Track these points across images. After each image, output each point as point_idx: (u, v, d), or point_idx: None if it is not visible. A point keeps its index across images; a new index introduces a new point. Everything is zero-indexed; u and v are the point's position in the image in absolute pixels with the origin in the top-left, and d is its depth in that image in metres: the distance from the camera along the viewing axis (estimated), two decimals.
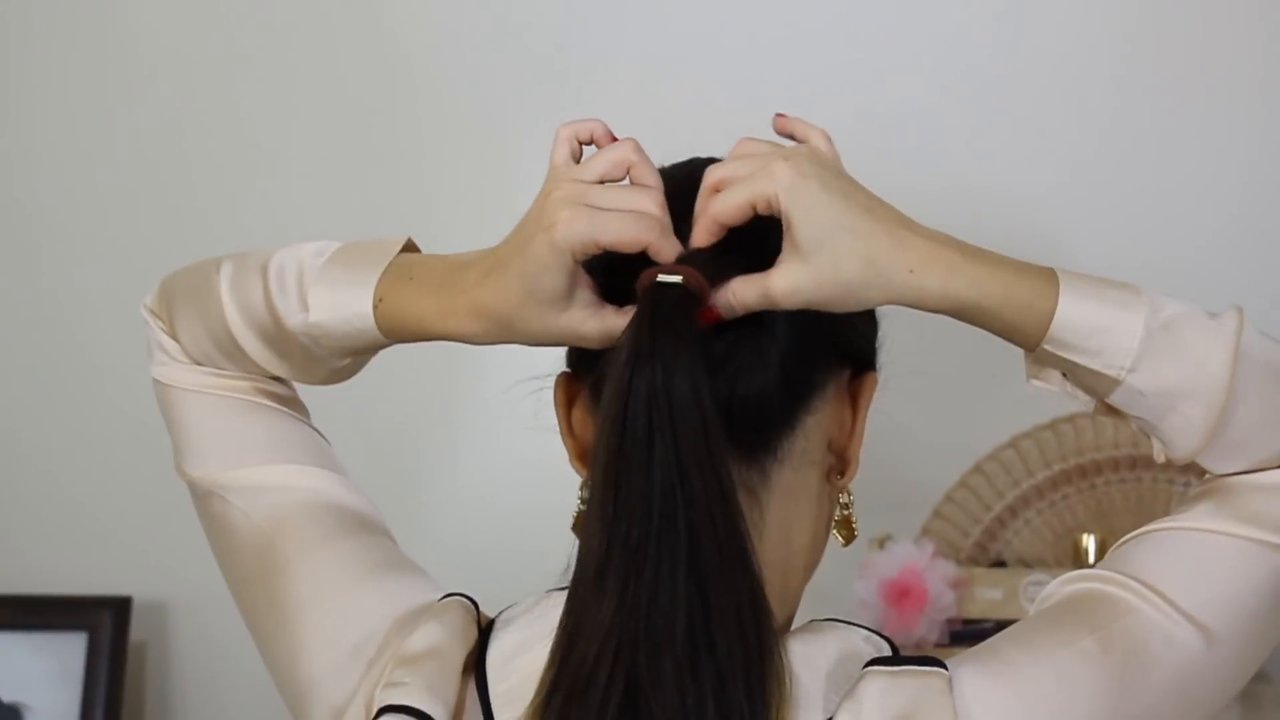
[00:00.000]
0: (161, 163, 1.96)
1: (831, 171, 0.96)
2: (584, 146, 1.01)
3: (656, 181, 0.98)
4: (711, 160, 1.01)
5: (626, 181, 0.98)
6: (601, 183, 0.97)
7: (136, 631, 1.91)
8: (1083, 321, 0.96)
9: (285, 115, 1.95)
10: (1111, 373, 0.96)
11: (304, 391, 1.16)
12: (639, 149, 0.98)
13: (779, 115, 1.02)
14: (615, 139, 1.00)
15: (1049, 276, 0.97)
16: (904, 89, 1.81)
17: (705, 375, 0.91)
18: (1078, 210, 1.77)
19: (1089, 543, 1.60)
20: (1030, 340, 0.97)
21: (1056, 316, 0.96)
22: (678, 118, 1.79)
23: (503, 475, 1.84)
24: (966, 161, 1.79)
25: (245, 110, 1.95)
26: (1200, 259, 1.73)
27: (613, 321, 0.96)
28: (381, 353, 1.10)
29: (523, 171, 1.76)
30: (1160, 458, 1.01)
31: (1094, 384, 0.98)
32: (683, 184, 0.98)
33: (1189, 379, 0.96)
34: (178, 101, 1.96)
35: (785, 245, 0.94)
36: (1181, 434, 0.98)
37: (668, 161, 1.03)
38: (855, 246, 0.93)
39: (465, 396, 1.88)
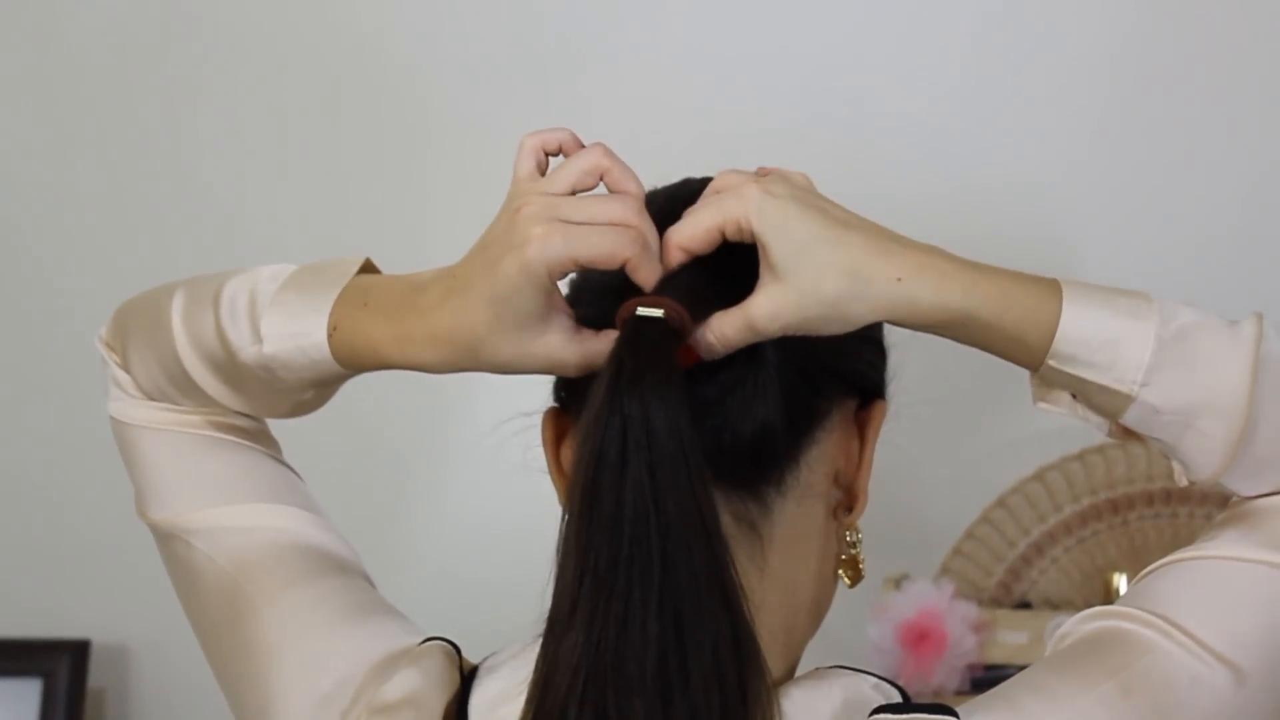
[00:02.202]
0: (144, 168, 1.97)
1: (806, 190, 0.96)
2: (551, 159, 1.00)
3: (634, 185, 0.97)
4: (707, 180, 1.00)
5: (600, 189, 0.97)
6: (574, 193, 0.96)
7: (95, 677, 1.91)
8: (1089, 332, 0.95)
9: (250, 123, 1.96)
10: (1123, 388, 0.95)
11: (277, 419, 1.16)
12: (610, 153, 0.97)
13: (761, 170, 1.01)
14: (584, 148, 0.99)
15: (1051, 285, 0.96)
16: (904, 87, 1.81)
17: (688, 407, 0.90)
18: (1084, 208, 1.77)
19: (1120, 583, 1.60)
20: (1034, 356, 0.96)
21: (1061, 326, 0.95)
22: (678, 122, 1.80)
23: (492, 509, 1.84)
24: (970, 162, 1.80)
25: (229, 113, 1.96)
26: (1209, 256, 1.74)
27: (592, 346, 0.95)
28: (364, 378, 1.09)
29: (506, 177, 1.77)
30: (1182, 480, 1.00)
31: (1105, 403, 0.97)
32: (679, 204, 0.98)
33: (1206, 392, 0.95)
34: (160, 104, 1.97)
35: (762, 270, 0.94)
36: (1202, 453, 0.97)
37: (655, 174, 1.02)
38: (834, 258, 0.93)
39: (454, 424, 1.88)
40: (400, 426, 1.89)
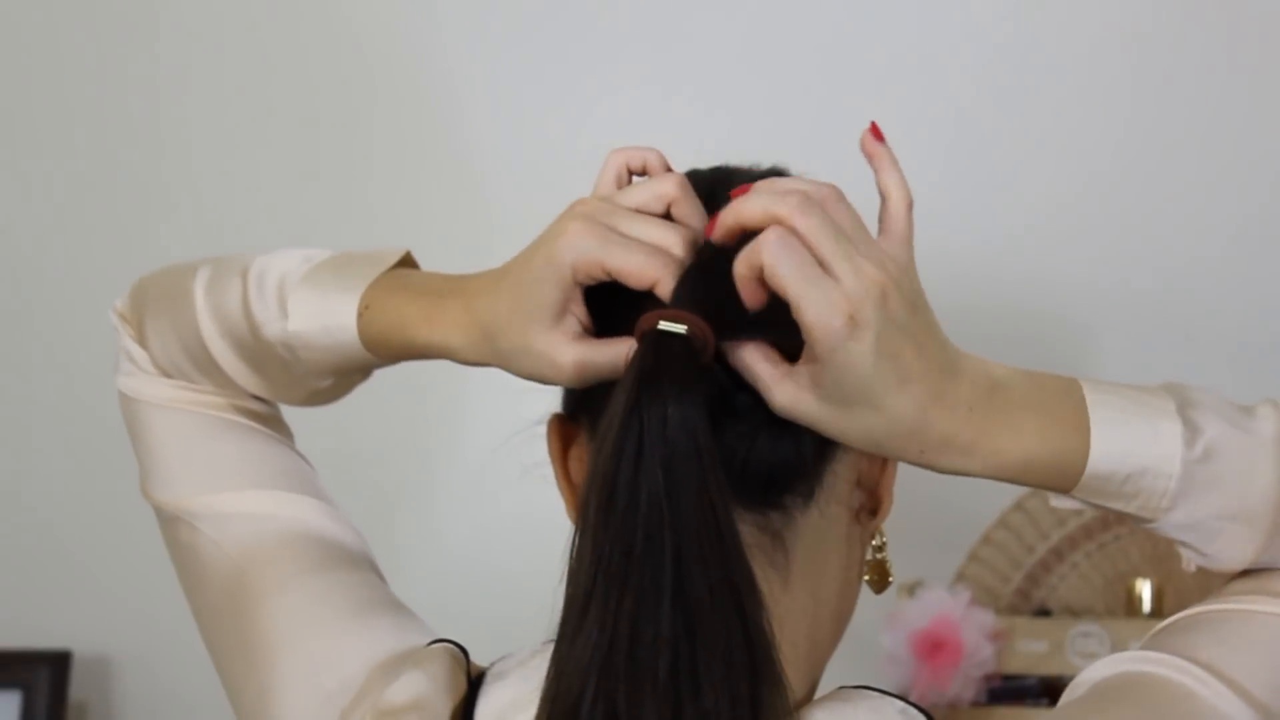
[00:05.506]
0: (133, 168, 1.98)
1: (894, 322, 0.91)
2: (635, 177, 1.01)
3: (699, 224, 0.97)
4: (745, 173, 1.02)
5: None
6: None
7: (76, 689, 1.91)
8: (1117, 469, 0.96)
9: (237, 122, 1.98)
10: (1147, 514, 0.98)
11: None
12: (685, 185, 0.98)
13: (874, 128, 0.99)
14: (671, 171, 1.00)
15: (1078, 420, 0.96)
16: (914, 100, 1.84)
17: (706, 410, 0.90)
18: (1086, 234, 1.79)
19: (1144, 589, 1.60)
20: (1059, 491, 0.98)
21: (1088, 471, 0.96)
22: (679, 128, 1.82)
23: (489, 522, 1.85)
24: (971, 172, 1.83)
25: (218, 114, 1.97)
26: (1216, 268, 1.74)
27: (590, 354, 0.96)
28: (357, 390, 1.11)
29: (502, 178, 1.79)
30: (1190, 568, 1.02)
31: (1128, 518, 0.99)
32: (709, 189, 0.99)
33: (1233, 504, 0.97)
34: (149, 104, 1.98)
35: (807, 354, 0.93)
36: (1226, 554, 0.99)
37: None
38: (871, 420, 0.93)
39: (448, 432, 1.88)
40: (384, 436, 1.89)
